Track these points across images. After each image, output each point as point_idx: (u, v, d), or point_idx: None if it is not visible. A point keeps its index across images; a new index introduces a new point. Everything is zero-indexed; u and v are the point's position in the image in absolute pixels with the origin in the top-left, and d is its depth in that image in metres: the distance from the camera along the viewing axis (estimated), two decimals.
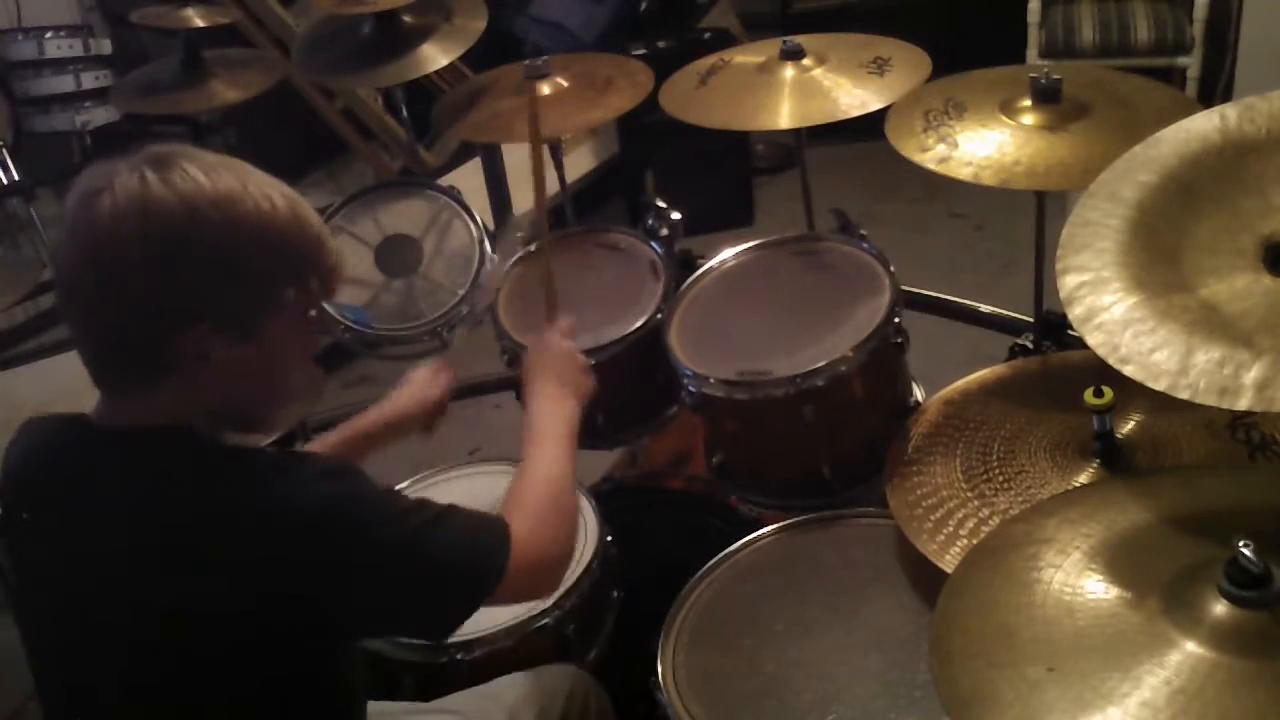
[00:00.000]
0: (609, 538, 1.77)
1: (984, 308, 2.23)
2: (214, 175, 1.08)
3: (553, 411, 1.47)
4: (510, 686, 1.53)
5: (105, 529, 1.10)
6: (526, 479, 1.34)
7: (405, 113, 2.43)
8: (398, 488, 1.94)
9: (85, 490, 1.13)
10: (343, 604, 1.13)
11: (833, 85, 1.89)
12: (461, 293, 2.15)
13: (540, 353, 1.57)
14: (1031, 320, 1.83)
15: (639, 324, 1.87)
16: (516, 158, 2.83)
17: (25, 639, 1.22)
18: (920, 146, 1.60)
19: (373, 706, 1.46)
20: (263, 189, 1.11)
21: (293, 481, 1.10)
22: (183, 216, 1.06)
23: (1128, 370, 1.04)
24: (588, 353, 1.85)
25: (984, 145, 1.56)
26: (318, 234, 1.15)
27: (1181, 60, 3.71)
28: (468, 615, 1.20)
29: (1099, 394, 1.33)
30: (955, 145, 1.58)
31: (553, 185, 2.37)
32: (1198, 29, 3.66)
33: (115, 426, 1.14)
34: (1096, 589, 1.01)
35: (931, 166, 1.57)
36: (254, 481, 1.10)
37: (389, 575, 1.14)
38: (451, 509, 1.20)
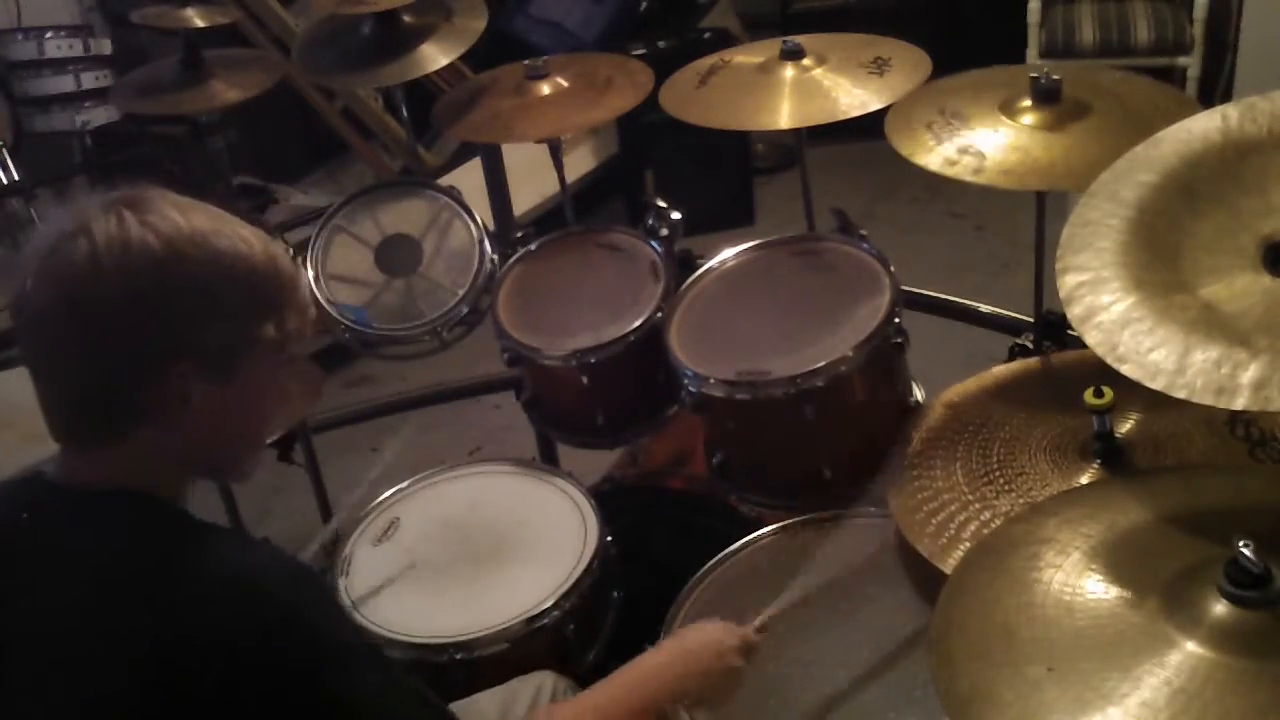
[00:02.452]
0: (609, 538, 1.77)
1: (984, 308, 2.23)
2: (189, 214, 1.08)
3: (660, 679, 1.34)
4: (490, 698, 1.52)
5: (59, 596, 1.06)
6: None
7: (405, 113, 2.43)
8: (396, 488, 1.94)
9: (41, 555, 1.09)
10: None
11: (833, 85, 1.89)
12: (461, 293, 2.15)
13: (703, 636, 1.39)
14: (1031, 320, 1.82)
15: (639, 324, 1.87)
16: (516, 158, 2.82)
17: None
18: (921, 147, 1.60)
19: None
20: (236, 229, 1.11)
21: (259, 567, 1.07)
22: (163, 253, 1.05)
23: (1125, 369, 1.04)
24: (587, 352, 1.86)
25: (985, 145, 1.56)
26: (292, 274, 1.16)
27: (1181, 60, 3.71)
28: None
29: (1099, 394, 1.33)
30: (955, 146, 1.58)
31: (553, 185, 2.37)
32: (1198, 29, 3.66)
33: (77, 485, 1.11)
34: (1096, 589, 1.01)
35: (933, 167, 1.57)
36: (219, 562, 1.07)
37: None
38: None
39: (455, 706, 1.44)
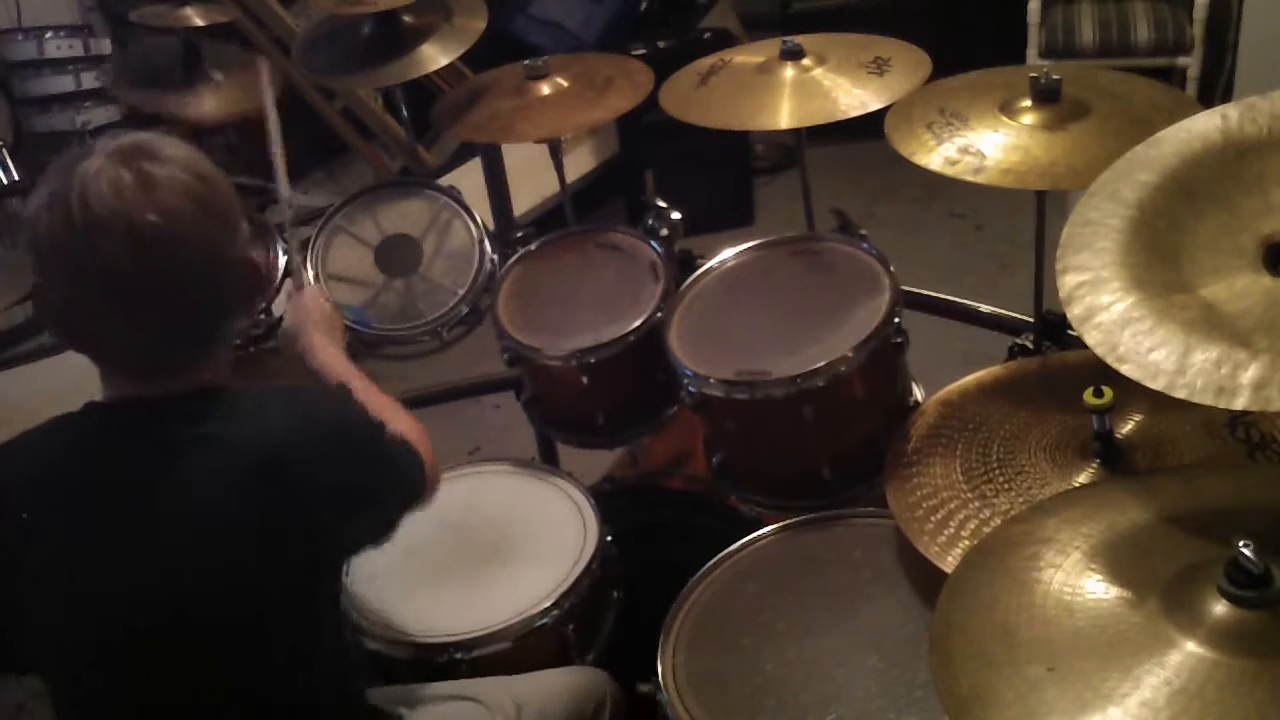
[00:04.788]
0: (609, 538, 1.77)
1: (984, 308, 2.23)
2: (176, 144, 1.19)
3: (346, 365, 1.57)
4: (529, 682, 1.54)
5: (164, 485, 1.15)
6: (381, 407, 1.42)
7: (405, 113, 2.43)
8: None
9: (137, 460, 1.17)
10: (358, 498, 1.26)
11: (833, 85, 1.89)
12: (461, 293, 2.15)
13: (305, 307, 1.63)
14: (1031, 320, 1.82)
15: (639, 324, 1.87)
16: (517, 158, 2.82)
17: (38, 637, 1.21)
18: (921, 147, 1.60)
19: (391, 691, 1.51)
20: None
21: (334, 400, 1.31)
22: (212, 180, 1.18)
23: (1125, 369, 1.04)
24: (587, 352, 1.86)
25: (985, 145, 1.56)
26: None
27: (1181, 60, 3.71)
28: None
29: (1099, 394, 1.33)
30: (956, 146, 1.58)
31: (553, 185, 2.37)
32: (1198, 29, 3.66)
33: (156, 397, 1.19)
34: (1096, 589, 1.01)
35: (933, 167, 1.57)
36: (301, 404, 1.25)
37: (388, 480, 1.31)
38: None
39: (498, 680, 1.57)
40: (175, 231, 1.13)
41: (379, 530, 1.34)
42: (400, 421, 1.40)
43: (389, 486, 1.32)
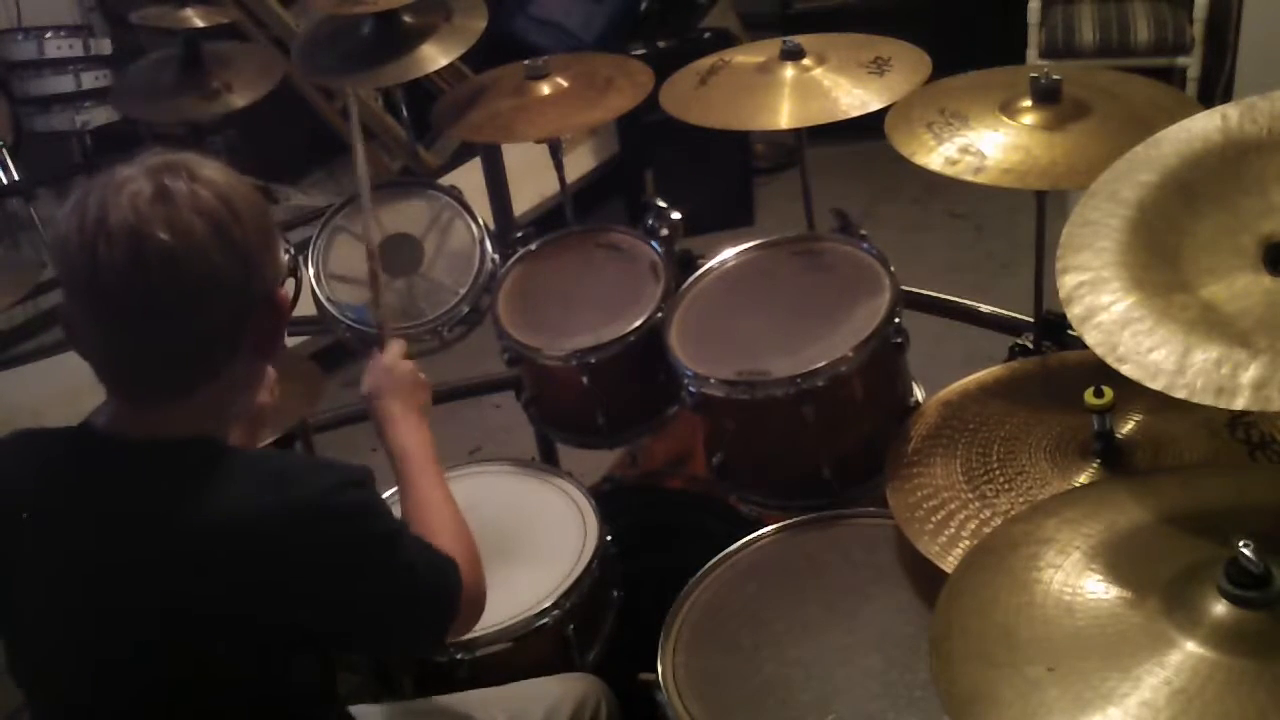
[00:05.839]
0: (609, 538, 1.77)
1: (984, 308, 2.23)
2: (216, 168, 1.13)
3: (420, 437, 1.47)
4: (515, 693, 1.54)
5: (131, 539, 1.10)
6: (437, 510, 1.37)
7: (405, 113, 2.43)
8: (396, 488, 1.94)
9: (108, 500, 1.13)
10: (338, 610, 1.16)
11: (833, 85, 1.89)
12: (462, 292, 2.15)
13: (385, 376, 1.53)
14: (1031, 320, 1.83)
15: (639, 324, 1.87)
16: (516, 158, 2.82)
17: (10, 646, 1.20)
18: (921, 147, 1.60)
19: (369, 708, 1.48)
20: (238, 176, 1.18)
21: (319, 486, 1.13)
22: (241, 210, 1.10)
23: (1125, 369, 1.04)
24: (587, 352, 1.86)
25: (985, 145, 1.56)
26: None
27: (1181, 60, 3.71)
28: (442, 638, 1.27)
29: (1099, 394, 1.33)
30: (956, 146, 1.58)
31: (553, 185, 2.37)
32: (1198, 29, 3.66)
33: (139, 437, 1.14)
34: (1096, 589, 1.01)
35: (934, 167, 1.57)
36: (282, 485, 1.12)
37: (391, 588, 1.19)
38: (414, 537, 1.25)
39: (479, 694, 1.53)
40: (182, 253, 1.05)
41: (383, 640, 1.26)
42: (447, 531, 1.32)
43: (382, 594, 1.18)
